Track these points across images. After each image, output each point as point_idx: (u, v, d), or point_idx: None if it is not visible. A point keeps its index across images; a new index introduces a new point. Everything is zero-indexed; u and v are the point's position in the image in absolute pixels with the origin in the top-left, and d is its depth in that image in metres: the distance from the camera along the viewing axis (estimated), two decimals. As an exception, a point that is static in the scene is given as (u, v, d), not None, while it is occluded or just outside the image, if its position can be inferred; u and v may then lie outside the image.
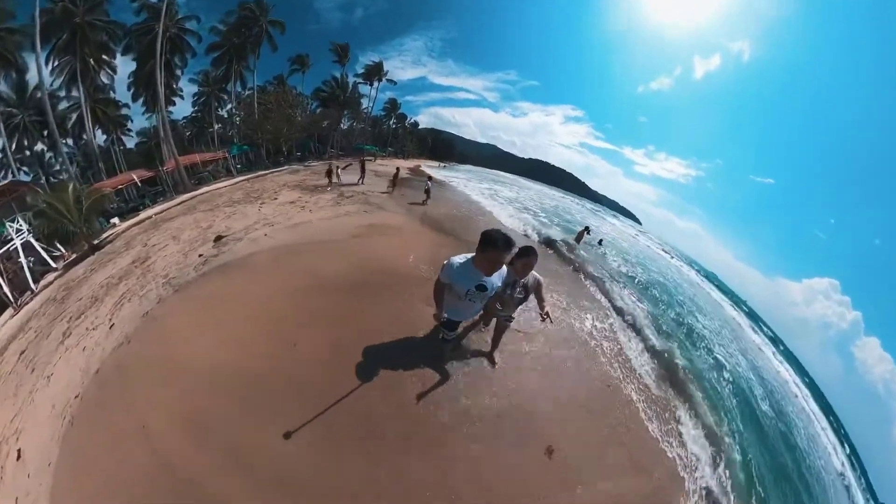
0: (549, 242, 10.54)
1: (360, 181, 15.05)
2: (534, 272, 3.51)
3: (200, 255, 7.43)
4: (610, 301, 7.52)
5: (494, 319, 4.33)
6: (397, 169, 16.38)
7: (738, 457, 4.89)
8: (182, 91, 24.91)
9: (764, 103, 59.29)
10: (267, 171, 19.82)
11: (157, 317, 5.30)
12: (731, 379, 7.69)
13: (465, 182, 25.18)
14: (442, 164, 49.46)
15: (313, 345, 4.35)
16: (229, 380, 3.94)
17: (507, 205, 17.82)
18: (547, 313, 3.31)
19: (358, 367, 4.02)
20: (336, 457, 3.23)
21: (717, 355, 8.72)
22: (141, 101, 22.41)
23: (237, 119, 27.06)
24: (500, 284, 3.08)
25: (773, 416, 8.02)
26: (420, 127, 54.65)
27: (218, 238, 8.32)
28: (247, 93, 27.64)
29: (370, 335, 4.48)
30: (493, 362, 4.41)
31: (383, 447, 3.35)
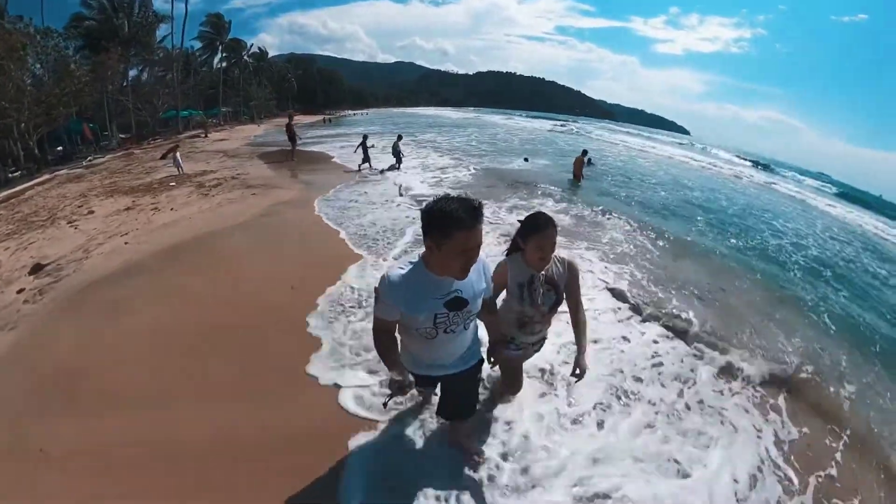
0: None
1: (293, 156, 12.29)
2: (558, 253, 2.01)
3: (21, 291, 4.68)
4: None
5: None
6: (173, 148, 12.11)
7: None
8: None
9: None
10: (20, 188, 12.58)
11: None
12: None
13: (356, 145, 12.18)
14: (326, 117, 34.40)
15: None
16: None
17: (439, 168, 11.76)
18: (578, 363, 1.91)
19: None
20: None
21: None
22: None
23: None
24: (485, 286, 1.73)
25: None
26: (272, 56, 37.36)
27: (37, 268, 5.37)
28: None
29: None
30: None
31: None
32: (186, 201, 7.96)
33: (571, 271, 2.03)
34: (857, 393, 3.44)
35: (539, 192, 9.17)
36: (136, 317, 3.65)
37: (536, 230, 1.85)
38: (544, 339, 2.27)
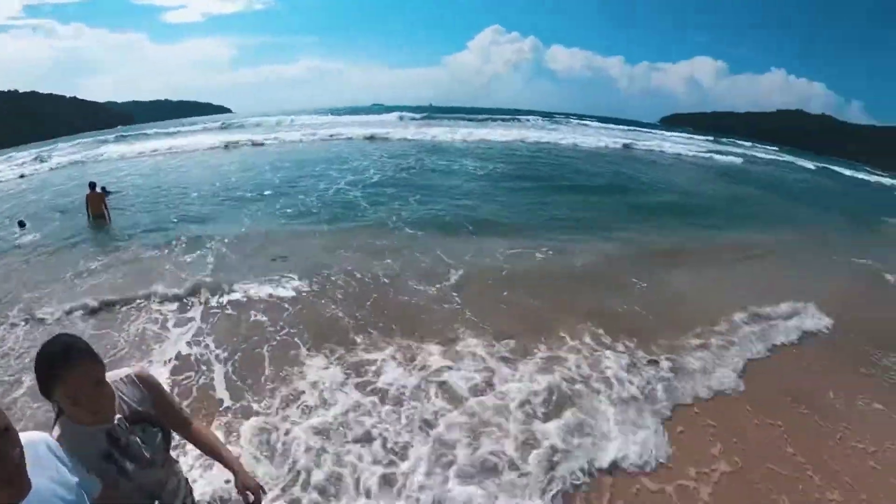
0: None
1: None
2: (117, 374, 1.30)
3: None
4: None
5: None
6: None
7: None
8: None
9: None
10: None
11: None
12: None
13: None
14: None
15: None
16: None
17: None
18: (243, 482, 1.36)
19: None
20: None
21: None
22: None
23: None
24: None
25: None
26: None
27: None
28: None
29: None
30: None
31: None
32: None
33: (148, 386, 1.36)
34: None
35: (48, 273, 6.11)
36: None
37: (56, 377, 1.05)
38: (182, 481, 1.59)
